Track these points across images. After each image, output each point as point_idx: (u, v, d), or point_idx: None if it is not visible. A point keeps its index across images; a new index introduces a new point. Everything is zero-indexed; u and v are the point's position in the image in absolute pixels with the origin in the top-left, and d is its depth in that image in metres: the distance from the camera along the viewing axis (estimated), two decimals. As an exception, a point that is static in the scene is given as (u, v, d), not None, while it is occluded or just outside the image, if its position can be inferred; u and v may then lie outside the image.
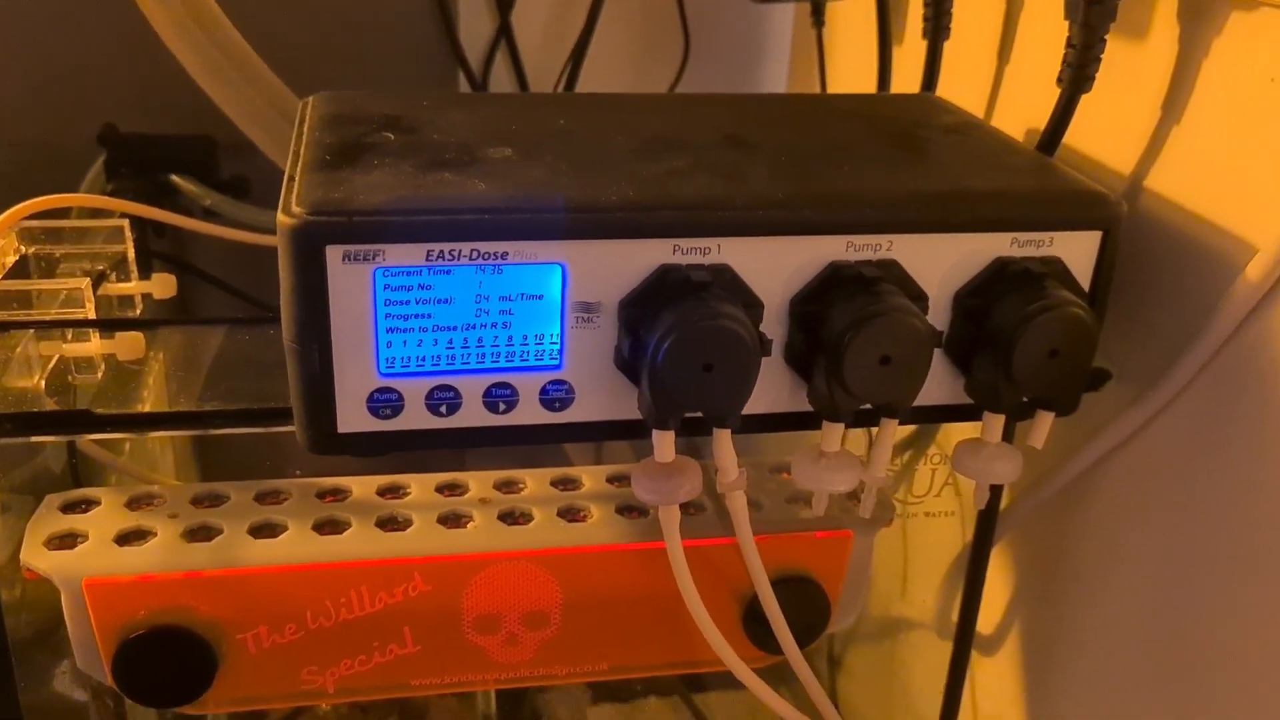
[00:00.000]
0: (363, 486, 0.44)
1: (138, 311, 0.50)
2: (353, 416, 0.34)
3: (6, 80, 0.67)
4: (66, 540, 0.40)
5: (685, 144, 0.38)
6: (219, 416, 0.37)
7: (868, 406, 0.35)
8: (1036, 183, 0.37)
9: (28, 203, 0.47)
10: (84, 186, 0.67)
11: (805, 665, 0.42)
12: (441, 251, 0.32)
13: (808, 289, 0.35)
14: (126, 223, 0.50)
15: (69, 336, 0.43)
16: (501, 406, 0.35)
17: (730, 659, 0.40)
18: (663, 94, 0.46)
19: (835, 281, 0.34)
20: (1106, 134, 0.42)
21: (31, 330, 0.42)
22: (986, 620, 0.51)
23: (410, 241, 0.32)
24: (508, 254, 0.33)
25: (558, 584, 0.41)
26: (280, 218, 0.31)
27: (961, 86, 0.50)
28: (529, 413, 0.35)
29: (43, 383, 0.42)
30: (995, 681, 0.51)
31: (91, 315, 0.43)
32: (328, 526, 0.41)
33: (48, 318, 0.42)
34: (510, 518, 0.43)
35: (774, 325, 0.35)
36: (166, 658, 0.39)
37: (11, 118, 0.67)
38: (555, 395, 0.35)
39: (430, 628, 0.41)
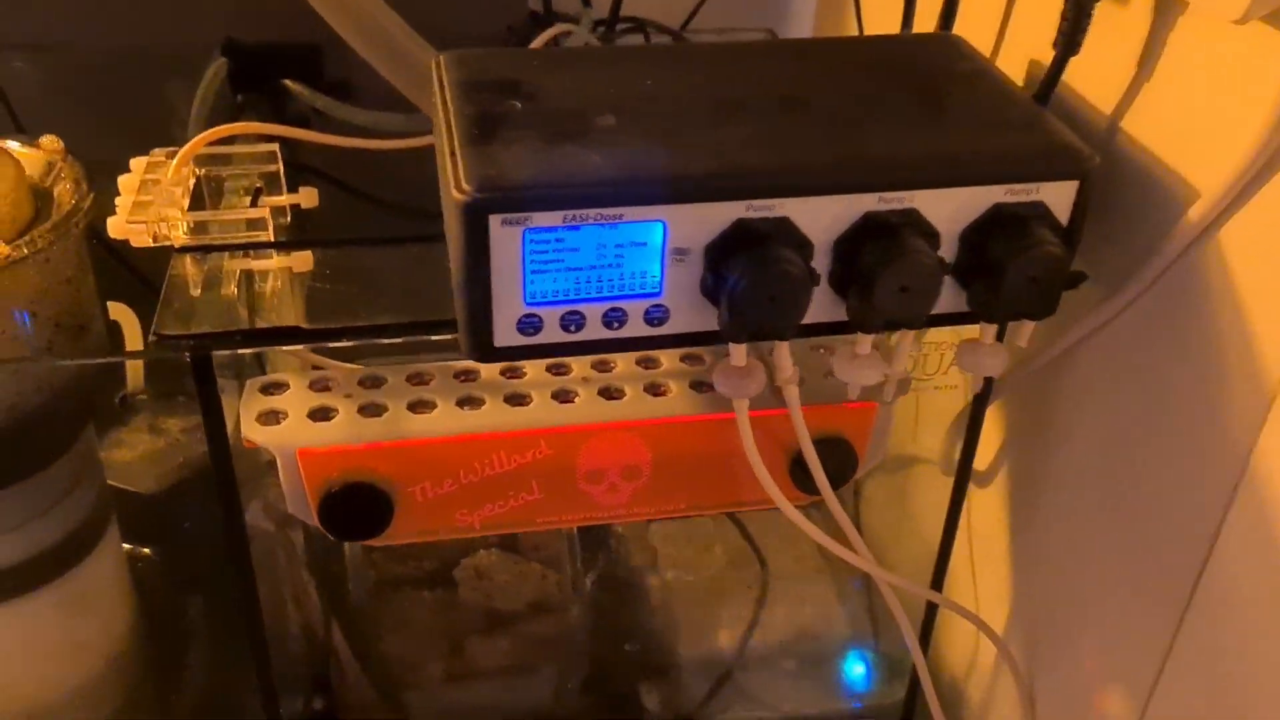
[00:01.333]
0: (489, 369, 0.55)
1: (287, 220, 0.61)
2: (506, 334, 0.45)
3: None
4: (271, 417, 0.52)
5: (747, 106, 0.48)
6: (397, 327, 0.48)
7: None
8: (1029, 140, 0.47)
9: (207, 133, 0.57)
10: (202, 89, 0.76)
11: (836, 502, 0.54)
12: (573, 215, 0.43)
13: (847, 233, 0.45)
14: (277, 146, 0.60)
15: (253, 254, 0.54)
16: (615, 324, 0.46)
17: (779, 499, 0.52)
18: (718, 45, 0.55)
19: (868, 227, 0.45)
20: (1092, 80, 0.52)
21: (226, 253, 0.53)
22: (981, 461, 0.63)
23: (551, 209, 0.42)
24: (622, 215, 0.43)
25: (648, 447, 0.54)
26: (453, 193, 0.42)
27: (975, 20, 0.59)
28: (635, 328, 0.46)
29: (235, 290, 0.53)
30: (987, 510, 0.64)
31: (271, 237, 0.54)
32: (467, 403, 0.54)
33: (239, 240, 0.53)
34: (607, 393, 0.54)
35: (821, 260, 0.45)
36: (357, 505, 0.52)
37: (137, 24, 0.77)
38: (655, 315, 0.46)
39: (551, 480, 0.54)
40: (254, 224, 0.53)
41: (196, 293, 0.51)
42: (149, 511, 0.73)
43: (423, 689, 0.70)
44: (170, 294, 0.50)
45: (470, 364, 0.56)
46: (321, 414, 0.52)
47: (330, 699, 0.69)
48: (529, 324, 0.45)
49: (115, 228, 0.52)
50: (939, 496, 0.63)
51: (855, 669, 0.71)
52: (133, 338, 0.72)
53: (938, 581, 0.63)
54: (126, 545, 0.68)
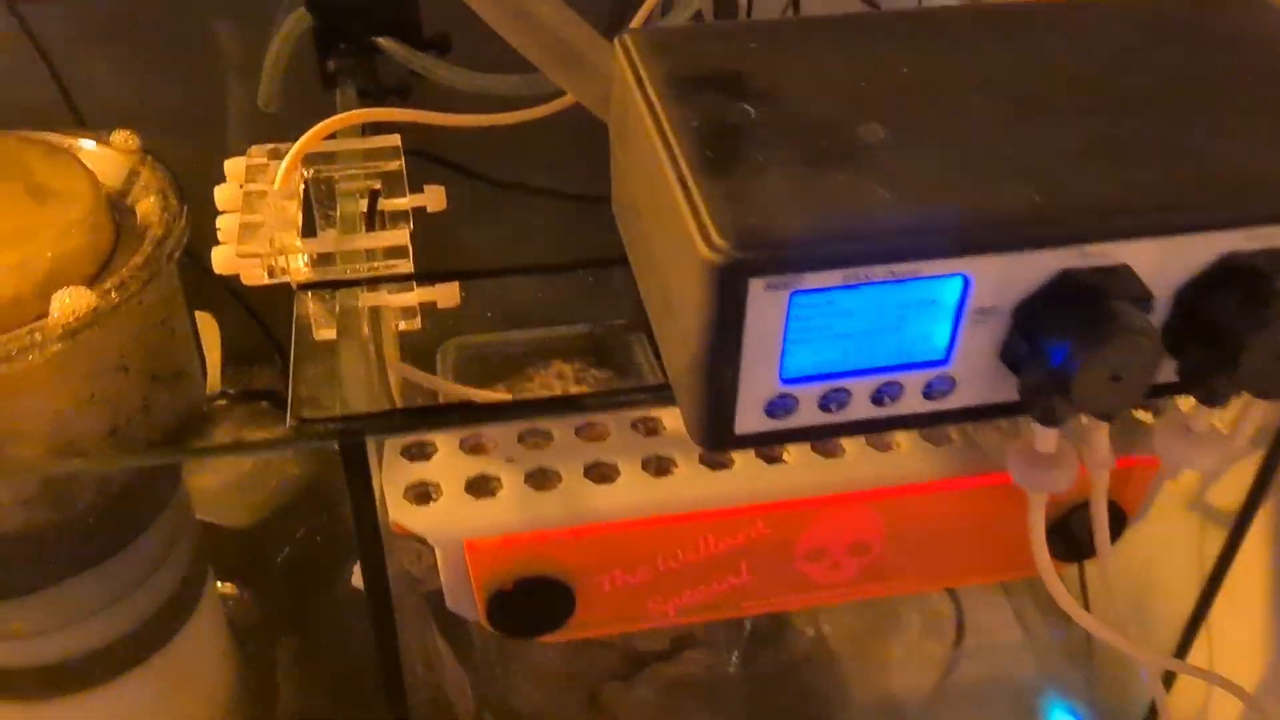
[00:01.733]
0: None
1: (409, 227, 0.50)
2: (749, 419, 0.35)
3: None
4: (422, 493, 0.42)
5: (1049, 105, 0.37)
6: (598, 397, 0.38)
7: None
8: None
9: (325, 124, 0.46)
10: (275, 48, 0.64)
11: (1109, 567, 0.45)
12: (856, 274, 0.32)
13: (1198, 279, 0.34)
14: (398, 138, 0.49)
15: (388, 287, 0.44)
16: (886, 400, 0.35)
17: (1052, 581, 0.42)
18: (967, 9, 0.44)
19: (1229, 271, 0.34)
20: None
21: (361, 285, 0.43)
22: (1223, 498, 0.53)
23: (830, 269, 0.32)
24: (918, 271, 0.32)
25: (883, 520, 0.44)
26: (699, 249, 0.31)
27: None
28: (910, 403, 0.36)
29: (369, 335, 0.43)
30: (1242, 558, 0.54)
31: (412, 266, 0.43)
32: (656, 466, 0.44)
33: (377, 273, 0.43)
34: (823, 449, 0.44)
35: (1158, 314, 0.35)
36: (533, 601, 0.42)
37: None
38: (938, 388, 0.35)
39: (764, 561, 0.44)
40: (393, 251, 0.43)
41: (326, 335, 0.41)
42: (234, 546, 0.64)
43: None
44: (301, 353, 0.40)
45: (648, 411, 0.46)
46: (482, 487, 0.42)
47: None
48: (781, 405, 0.35)
49: (223, 262, 0.42)
50: (1181, 541, 0.53)
51: (1060, 721, 0.62)
52: (212, 346, 0.62)
53: (1185, 643, 0.54)
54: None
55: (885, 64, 0.39)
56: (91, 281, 0.42)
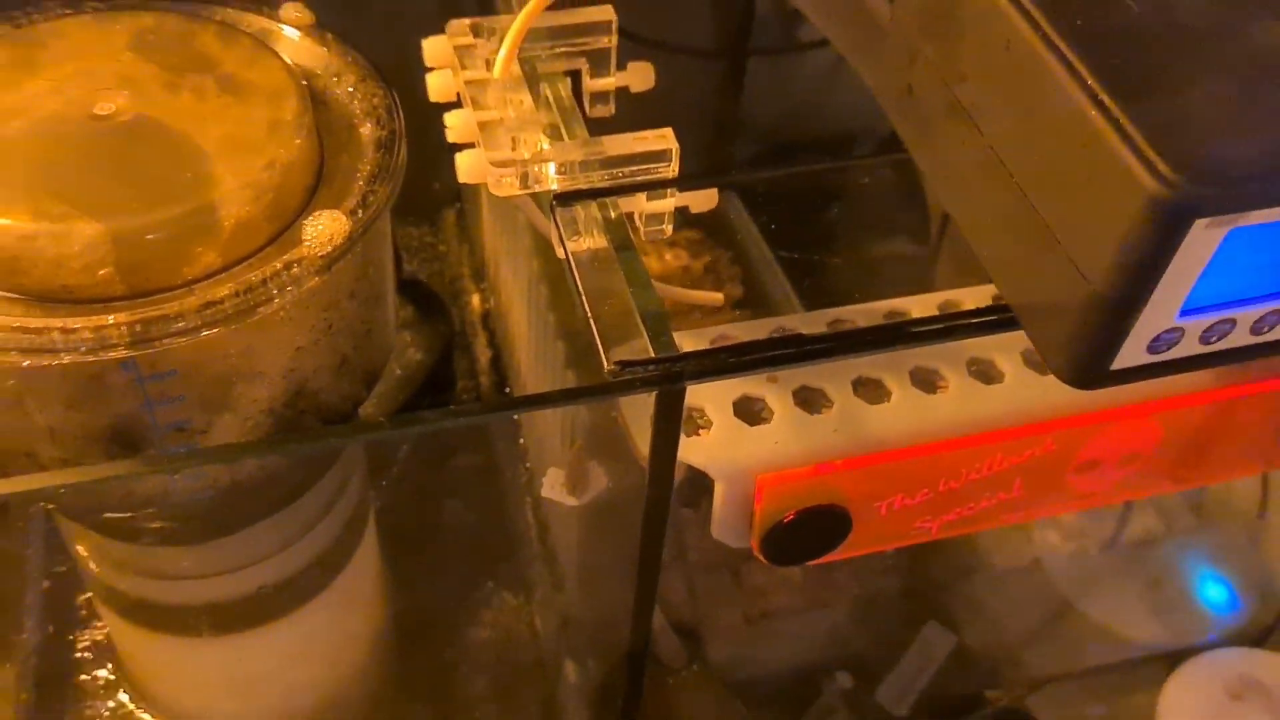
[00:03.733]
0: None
1: (611, 109, 0.44)
2: (1130, 354, 0.32)
3: None
4: (690, 421, 0.39)
5: None
6: (930, 326, 0.35)
7: None
8: None
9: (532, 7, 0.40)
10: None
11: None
12: (1298, 206, 0.29)
13: None
14: (610, 9, 0.43)
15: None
16: (1265, 329, 0.33)
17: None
18: None
19: None
20: None
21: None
22: None
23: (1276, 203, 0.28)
24: (1358, 199, 0.29)
25: (1163, 431, 0.42)
26: (1148, 185, 0.27)
27: None
28: (1282, 330, 0.33)
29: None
30: None
31: (675, 170, 0.38)
32: (923, 381, 0.41)
33: (641, 178, 0.38)
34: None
35: None
36: (809, 529, 0.40)
37: None
38: (1319, 315, 0.33)
39: (1039, 476, 0.42)
40: (655, 155, 0.38)
41: (579, 249, 0.36)
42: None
43: (719, 637, 0.61)
44: (586, 281, 0.35)
45: (898, 302, 0.43)
46: (749, 411, 0.39)
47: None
48: (1168, 339, 0.32)
49: (469, 170, 0.36)
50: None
51: (1215, 592, 0.63)
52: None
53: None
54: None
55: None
56: (311, 194, 0.36)
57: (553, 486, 0.48)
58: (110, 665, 0.54)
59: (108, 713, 0.53)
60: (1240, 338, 0.33)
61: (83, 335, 0.31)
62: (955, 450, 0.39)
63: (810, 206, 0.68)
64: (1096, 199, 0.29)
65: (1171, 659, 0.59)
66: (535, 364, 0.59)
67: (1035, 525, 0.64)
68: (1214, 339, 0.33)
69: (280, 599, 0.46)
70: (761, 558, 0.40)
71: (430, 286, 0.66)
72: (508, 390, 0.66)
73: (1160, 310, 0.31)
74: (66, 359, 0.31)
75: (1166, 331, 0.32)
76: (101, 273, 0.32)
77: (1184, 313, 0.31)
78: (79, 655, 0.55)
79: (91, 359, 0.31)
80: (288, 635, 0.48)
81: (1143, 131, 0.28)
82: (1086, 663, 0.61)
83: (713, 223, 0.75)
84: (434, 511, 0.62)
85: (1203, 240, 0.29)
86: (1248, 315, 0.32)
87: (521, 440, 0.64)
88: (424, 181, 0.76)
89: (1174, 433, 0.42)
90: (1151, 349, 0.32)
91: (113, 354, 0.31)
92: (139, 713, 0.53)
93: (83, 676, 0.55)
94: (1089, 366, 0.32)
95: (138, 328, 0.31)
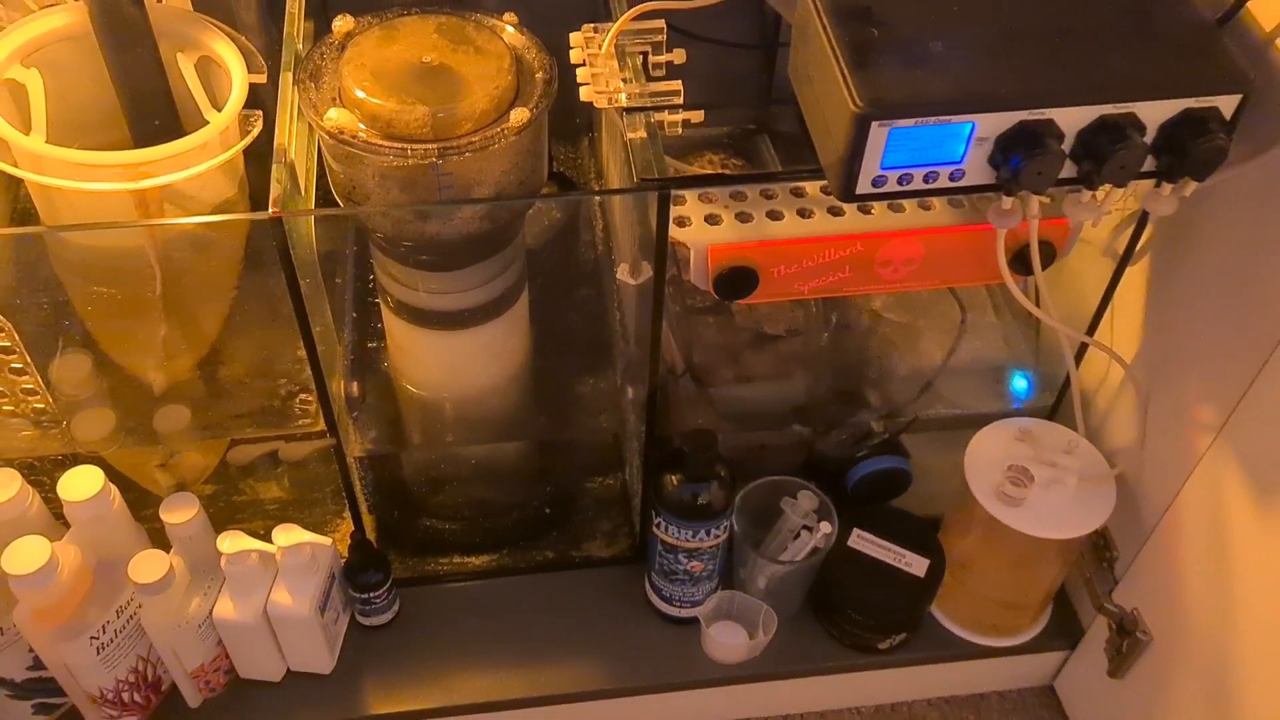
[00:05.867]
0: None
1: (663, 73, 0.86)
2: (863, 186, 0.72)
3: None
4: (680, 220, 0.81)
5: (1027, 33, 0.72)
6: (786, 174, 0.76)
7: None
8: (1212, 67, 0.71)
9: (629, 14, 0.82)
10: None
11: (1044, 280, 0.83)
12: (920, 120, 0.69)
13: (1088, 128, 0.71)
14: (663, 21, 0.85)
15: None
16: (930, 180, 0.73)
17: (1008, 280, 0.81)
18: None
19: (1103, 126, 0.71)
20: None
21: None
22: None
23: (909, 117, 0.69)
24: (949, 119, 0.69)
25: (924, 247, 0.82)
26: (850, 106, 0.68)
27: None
28: (943, 182, 0.73)
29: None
30: (1130, 275, 0.92)
31: (682, 101, 0.80)
32: (803, 213, 0.82)
33: (671, 103, 0.80)
34: (896, 207, 0.82)
35: (1066, 144, 0.72)
36: (737, 279, 0.81)
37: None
38: (957, 176, 0.73)
39: (858, 266, 0.82)
40: (670, 93, 0.80)
41: (634, 136, 0.78)
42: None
43: (718, 387, 1.02)
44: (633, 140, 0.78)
45: (802, 184, 0.84)
46: (713, 220, 0.81)
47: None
48: (879, 181, 0.72)
49: (587, 94, 0.79)
50: (1099, 271, 0.91)
51: (1019, 383, 1.03)
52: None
53: (1091, 329, 0.93)
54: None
55: (957, 8, 0.74)
56: (514, 103, 0.79)
57: (622, 273, 0.91)
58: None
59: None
60: (918, 185, 0.73)
61: (416, 151, 0.75)
62: (811, 243, 0.80)
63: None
64: (839, 113, 0.70)
65: (988, 419, 0.98)
66: (622, 212, 1.02)
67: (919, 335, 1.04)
68: (905, 183, 0.73)
69: (479, 314, 0.89)
70: (714, 293, 0.82)
71: (568, 177, 1.09)
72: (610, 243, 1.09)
73: (872, 164, 0.71)
74: (411, 161, 0.75)
75: (878, 177, 0.72)
76: (424, 129, 0.76)
77: (884, 167, 0.72)
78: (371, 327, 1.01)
79: (417, 162, 0.75)
80: (480, 338, 0.91)
81: (855, 83, 0.69)
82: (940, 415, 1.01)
83: (748, 151, 1.17)
84: (560, 280, 1.05)
85: (879, 133, 0.69)
86: (917, 172, 0.72)
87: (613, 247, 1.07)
88: (570, 119, 1.19)
89: (930, 250, 0.82)
90: (875, 185, 0.73)
91: (427, 161, 0.75)
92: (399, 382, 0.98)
93: (370, 344, 1.00)
94: (844, 191, 0.73)
95: (437, 149, 0.75)
